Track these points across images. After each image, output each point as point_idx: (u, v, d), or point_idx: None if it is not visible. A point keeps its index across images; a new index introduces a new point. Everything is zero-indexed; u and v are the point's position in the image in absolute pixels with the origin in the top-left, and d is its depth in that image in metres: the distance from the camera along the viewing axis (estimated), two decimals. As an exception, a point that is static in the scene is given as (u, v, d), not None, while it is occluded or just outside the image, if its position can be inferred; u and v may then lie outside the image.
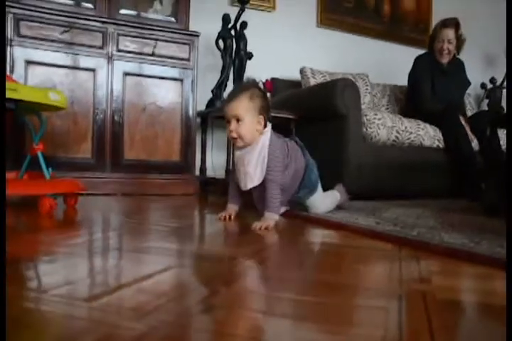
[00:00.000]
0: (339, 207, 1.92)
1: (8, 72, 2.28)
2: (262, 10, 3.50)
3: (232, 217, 1.66)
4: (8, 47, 2.34)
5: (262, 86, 3.00)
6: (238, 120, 1.52)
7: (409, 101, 3.37)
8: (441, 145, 2.88)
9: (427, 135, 2.83)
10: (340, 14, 3.84)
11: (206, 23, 3.06)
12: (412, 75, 3.23)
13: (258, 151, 1.54)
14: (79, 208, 1.86)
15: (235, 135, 1.53)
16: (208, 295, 0.73)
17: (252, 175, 1.55)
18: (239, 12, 2.92)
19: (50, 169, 1.81)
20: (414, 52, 3.43)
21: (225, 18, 2.93)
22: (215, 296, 0.71)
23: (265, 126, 1.58)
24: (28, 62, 2.39)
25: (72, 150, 2.50)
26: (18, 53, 2.36)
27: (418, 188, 2.81)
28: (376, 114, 2.67)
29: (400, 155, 2.75)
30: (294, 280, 0.84)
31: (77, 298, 0.69)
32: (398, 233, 1.32)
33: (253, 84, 1.62)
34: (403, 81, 3.46)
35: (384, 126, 2.67)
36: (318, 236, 1.41)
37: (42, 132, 1.84)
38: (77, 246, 1.10)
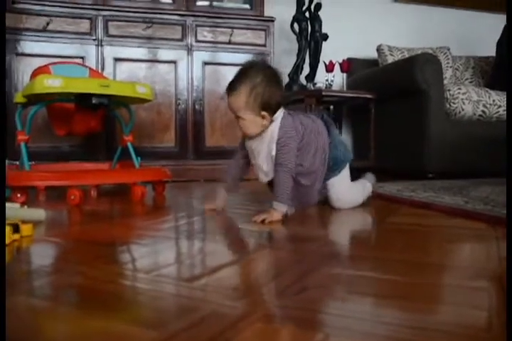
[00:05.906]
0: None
1: (99, 70, 2.42)
2: (335, -11, 3.41)
3: (217, 210, 1.44)
4: (99, 47, 2.48)
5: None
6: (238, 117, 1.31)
7: (497, 72, 3.15)
8: (534, 118, 2.69)
9: (518, 108, 2.66)
10: (416, -14, 3.64)
11: (280, 8, 3.03)
12: (502, 43, 3.02)
13: (267, 143, 1.32)
14: (166, 194, 1.93)
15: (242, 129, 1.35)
16: (300, 275, 0.75)
17: (264, 170, 1.36)
18: (313, -7, 2.87)
19: (139, 158, 1.89)
20: (501, 19, 3.20)
21: (299, 1, 2.90)
22: (307, 277, 0.73)
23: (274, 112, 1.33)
24: (116, 60, 2.52)
25: (156, 139, 2.61)
26: (107, 52, 2.49)
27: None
28: (460, 88, 2.55)
29: (486, 131, 2.61)
30: (385, 260, 0.84)
31: (178, 278, 0.73)
32: (490, 212, 1.27)
33: (257, 66, 1.34)
34: (489, 51, 3.25)
35: (469, 100, 2.54)
36: (404, 216, 1.37)
37: (132, 124, 1.94)
38: (168, 230, 1.16)
